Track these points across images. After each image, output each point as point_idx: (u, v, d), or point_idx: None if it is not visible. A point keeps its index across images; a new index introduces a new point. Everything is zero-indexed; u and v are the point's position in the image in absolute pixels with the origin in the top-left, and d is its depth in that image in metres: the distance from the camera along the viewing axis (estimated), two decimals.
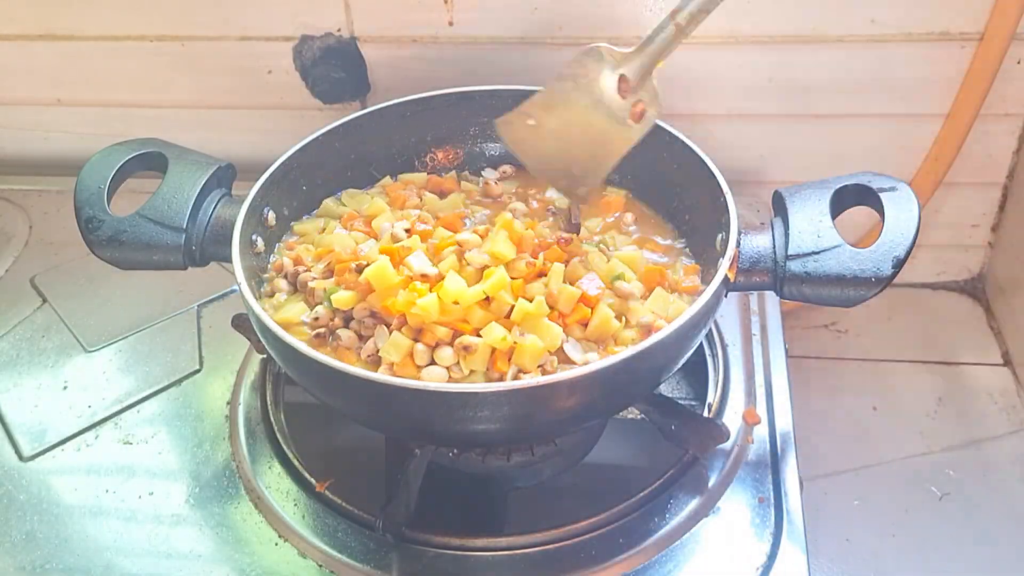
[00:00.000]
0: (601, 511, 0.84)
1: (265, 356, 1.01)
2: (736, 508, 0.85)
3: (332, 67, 1.20)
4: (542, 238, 0.88)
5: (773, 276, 0.80)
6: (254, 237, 0.89)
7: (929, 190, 1.22)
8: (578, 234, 0.91)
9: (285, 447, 0.93)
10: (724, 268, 0.78)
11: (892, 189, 0.81)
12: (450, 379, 0.77)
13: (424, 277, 0.80)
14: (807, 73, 1.15)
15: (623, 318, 0.81)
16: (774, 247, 0.81)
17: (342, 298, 0.81)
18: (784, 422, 0.93)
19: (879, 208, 0.80)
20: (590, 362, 0.76)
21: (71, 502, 0.90)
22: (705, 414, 0.94)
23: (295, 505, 0.88)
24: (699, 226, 0.91)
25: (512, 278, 0.81)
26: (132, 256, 0.87)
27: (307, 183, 0.97)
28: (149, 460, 0.94)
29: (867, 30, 1.09)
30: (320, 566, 0.82)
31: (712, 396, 0.96)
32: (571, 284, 0.82)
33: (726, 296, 0.80)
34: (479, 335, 0.78)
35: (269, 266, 0.91)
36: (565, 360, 0.78)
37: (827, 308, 0.81)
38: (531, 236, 0.87)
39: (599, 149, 0.85)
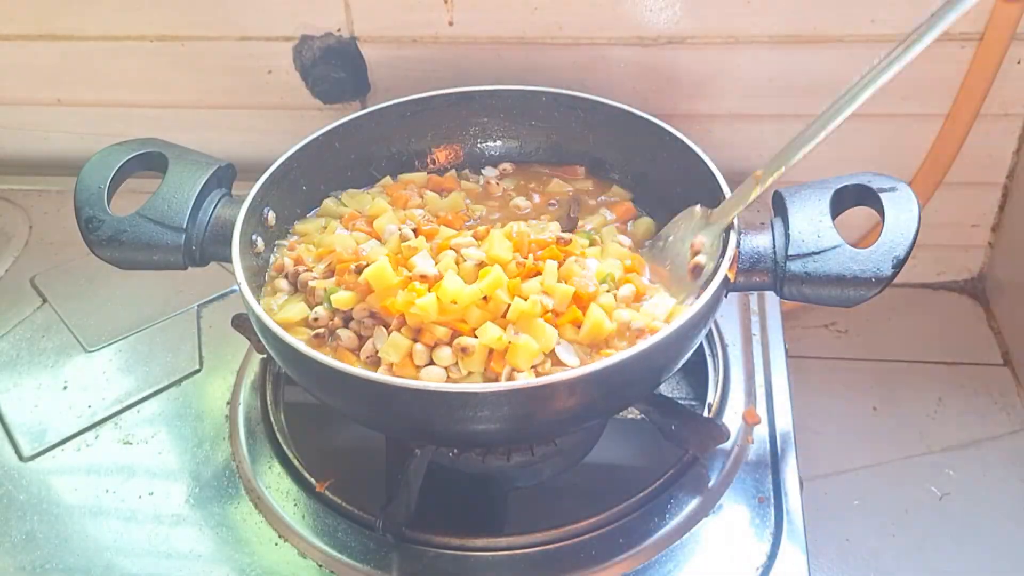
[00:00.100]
0: (601, 511, 0.84)
1: (265, 356, 1.01)
2: (736, 508, 0.85)
3: (332, 67, 1.20)
4: (540, 241, 0.88)
5: (773, 276, 0.80)
6: (254, 237, 0.89)
7: (929, 190, 1.22)
8: (575, 228, 0.91)
9: (285, 447, 0.93)
10: (724, 268, 0.78)
11: (892, 189, 0.81)
12: (448, 379, 0.77)
13: (423, 278, 0.80)
14: (807, 73, 1.15)
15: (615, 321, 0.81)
16: (774, 247, 0.81)
17: (342, 298, 0.81)
18: (784, 422, 0.93)
19: (879, 208, 0.80)
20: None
21: (71, 502, 0.90)
22: (705, 414, 0.94)
23: (295, 505, 0.88)
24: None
25: (509, 277, 0.81)
26: (132, 256, 0.87)
27: (307, 183, 0.97)
28: (149, 460, 0.94)
29: (867, 30, 1.09)
30: (320, 566, 0.82)
31: (712, 396, 0.96)
32: (565, 282, 0.82)
33: (726, 296, 0.80)
34: (476, 335, 0.78)
35: (269, 266, 0.91)
36: (557, 363, 0.78)
37: (827, 308, 0.81)
38: (528, 237, 0.87)
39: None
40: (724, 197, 0.84)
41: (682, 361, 0.80)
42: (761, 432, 0.92)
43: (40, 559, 0.85)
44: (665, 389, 1.01)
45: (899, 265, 0.76)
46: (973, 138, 1.17)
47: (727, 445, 0.89)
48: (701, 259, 0.82)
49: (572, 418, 0.77)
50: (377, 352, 0.79)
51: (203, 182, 0.89)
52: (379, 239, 0.90)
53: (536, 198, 0.99)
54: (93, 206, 0.87)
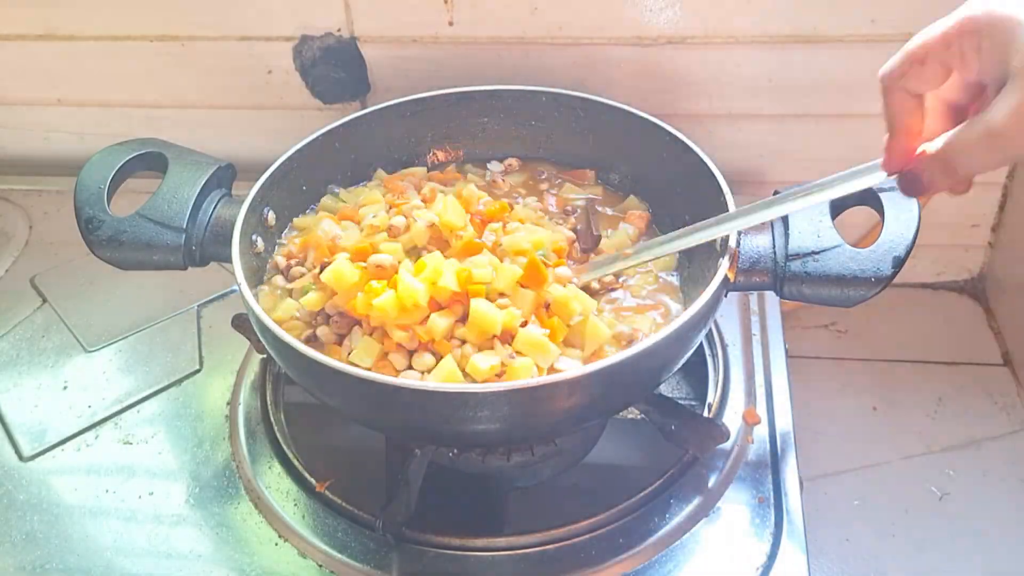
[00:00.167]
0: (601, 511, 0.84)
1: (265, 356, 1.01)
2: (736, 508, 0.85)
3: (332, 67, 1.20)
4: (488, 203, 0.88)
5: (773, 276, 0.80)
6: (254, 237, 0.89)
7: None
8: (598, 245, 0.91)
9: (285, 447, 0.93)
10: (724, 268, 0.77)
11: (892, 189, 0.80)
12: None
13: (379, 269, 0.79)
14: (807, 73, 1.14)
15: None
16: (774, 247, 0.81)
17: (310, 300, 0.81)
18: (784, 422, 0.93)
19: (879, 208, 0.80)
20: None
21: (71, 502, 0.90)
22: (705, 414, 0.94)
23: (295, 505, 0.88)
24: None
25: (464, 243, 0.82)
26: (132, 256, 0.87)
27: (307, 183, 0.97)
28: (149, 460, 0.94)
29: (867, 30, 1.09)
30: (320, 566, 0.82)
31: (712, 396, 0.96)
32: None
33: (726, 296, 0.80)
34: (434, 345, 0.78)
35: (269, 266, 0.91)
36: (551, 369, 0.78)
37: (827, 308, 0.81)
38: (474, 200, 0.87)
39: None
40: (724, 197, 0.84)
41: (682, 361, 0.80)
42: (761, 432, 0.92)
43: (40, 559, 0.85)
44: (665, 389, 1.01)
45: (899, 265, 0.76)
46: None
47: (727, 445, 0.89)
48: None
49: (572, 418, 0.77)
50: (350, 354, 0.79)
51: (203, 182, 0.89)
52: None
53: (551, 201, 0.98)
54: (93, 206, 0.87)
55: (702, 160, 0.89)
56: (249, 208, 0.87)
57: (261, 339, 0.80)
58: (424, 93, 1.02)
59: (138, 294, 1.13)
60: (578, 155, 1.03)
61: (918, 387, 1.24)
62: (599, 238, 0.92)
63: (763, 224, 0.84)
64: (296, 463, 0.91)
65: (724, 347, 1.01)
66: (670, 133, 0.93)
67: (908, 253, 0.77)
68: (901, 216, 0.79)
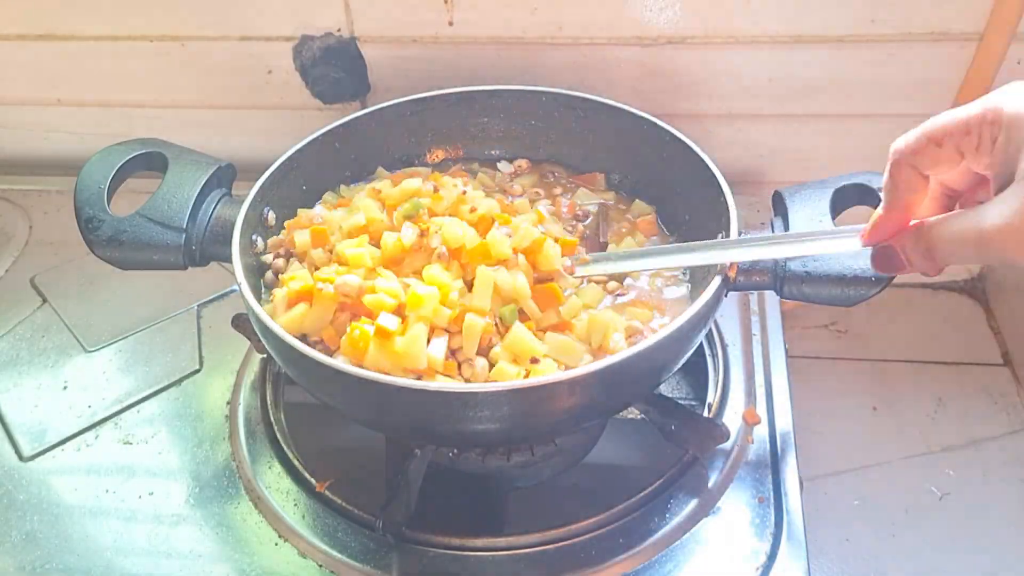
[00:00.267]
0: (601, 511, 0.84)
1: (265, 356, 1.01)
2: (736, 508, 0.85)
3: (332, 67, 1.20)
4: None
5: (773, 276, 0.80)
6: (254, 237, 0.89)
7: None
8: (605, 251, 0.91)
9: (285, 447, 0.93)
10: (724, 268, 0.78)
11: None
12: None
13: (346, 297, 0.78)
14: (807, 73, 1.15)
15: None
16: None
17: (289, 322, 0.79)
18: (784, 422, 0.93)
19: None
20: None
21: (71, 502, 0.90)
22: (705, 414, 0.94)
23: (295, 505, 0.88)
24: (699, 226, 0.91)
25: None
26: (132, 256, 0.87)
27: (307, 183, 0.97)
28: (149, 460, 0.94)
29: (867, 30, 1.09)
30: (320, 566, 0.82)
31: (712, 396, 0.96)
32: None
33: (726, 296, 0.80)
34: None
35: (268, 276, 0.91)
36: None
37: (827, 308, 0.81)
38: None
39: None
40: (724, 197, 0.84)
41: (682, 361, 0.80)
42: (761, 432, 0.92)
43: (40, 559, 0.85)
44: (665, 389, 1.01)
45: None
46: None
47: (727, 445, 0.89)
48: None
49: (572, 418, 0.77)
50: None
51: (203, 182, 0.89)
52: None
53: (564, 208, 0.97)
54: (93, 206, 0.87)
55: (702, 160, 0.89)
56: (249, 208, 0.87)
57: (261, 339, 0.80)
58: (424, 93, 1.02)
59: (138, 294, 1.13)
60: (578, 155, 1.03)
61: (918, 387, 1.24)
62: (605, 245, 0.92)
63: (763, 224, 0.84)
64: (296, 463, 0.91)
65: (724, 347, 1.01)
66: (670, 133, 0.93)
67: None
68: None
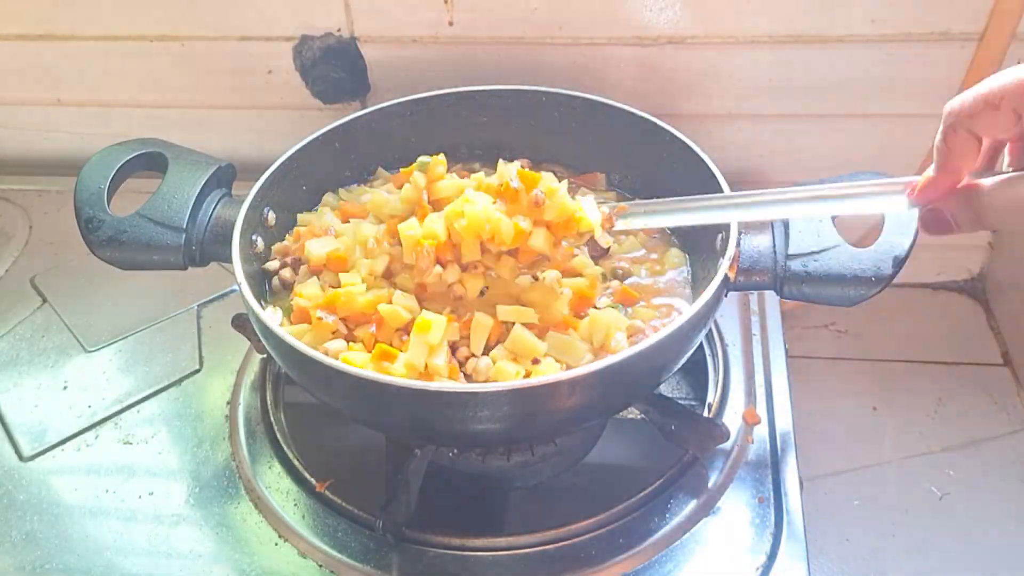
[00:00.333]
0: (601, 511, 0.84)
1: (265, 356, 1.01)
2: (736, 508, 0.85)
3: (332, 67, 1.20)
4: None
5: (773, 276, 0.80)
6: (254, 237, 0.89)
7: None
8: (606, 253, 0.91)
9: (285, 447, 0.93)
10: (724, 268, 0.77)
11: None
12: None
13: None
14: (807, 73, 1.14)
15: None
16: (774, 247, 0.81)
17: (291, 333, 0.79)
18: (784, 422, 0.93)
19: None
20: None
21: (71, 502, 0.90)
22: (705, 414, 0.94)
23: (295, 505, 0.88)
24: (699, 226, 0.91)
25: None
26: (132, 256, 0.87)
27: (307, 183, 0.97)
28: (149, 460, 0.94)
29: (867, 30, 1.09)
30: (320, 566, 0.82)
31: (712, 396, 0.96)
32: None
33: (726, 296, 0.80)
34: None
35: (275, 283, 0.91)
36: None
37: (827, 308, 0.81)
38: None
39: None
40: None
41: (682, 361, 0.80)
42: (761, 432, 0.92)
43: (40, 559, 0.85)
44: (665, 389, 1.01)
45: (899, 264, 0.76)
46: None
47: (727, 445, 0.89)
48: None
49: (572, 418, 0.77)
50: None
51: (203, 182, 0.89)
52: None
53: None
54: (93, 206, 0.87)
55: (702, 160, 0.89)
56: (249, 208, 0.87)
57: (261, 339, 0.80)
58: (424, 93, 1.02)
59: (138, 294, 1.13)
60: (578, 155, 1.03)
61: (918, 387, 1.24)
62: (607, 250, 0.92)
63: (763, 224, 0.84)
64: (296, 463, 0.91)
65: (724, 347, 1.01)
66: (670, 133, 0.93)
67: (908, 253, 0.77)
68: (901, 216, 0.79)
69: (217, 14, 1.19)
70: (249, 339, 1.00)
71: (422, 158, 0.87)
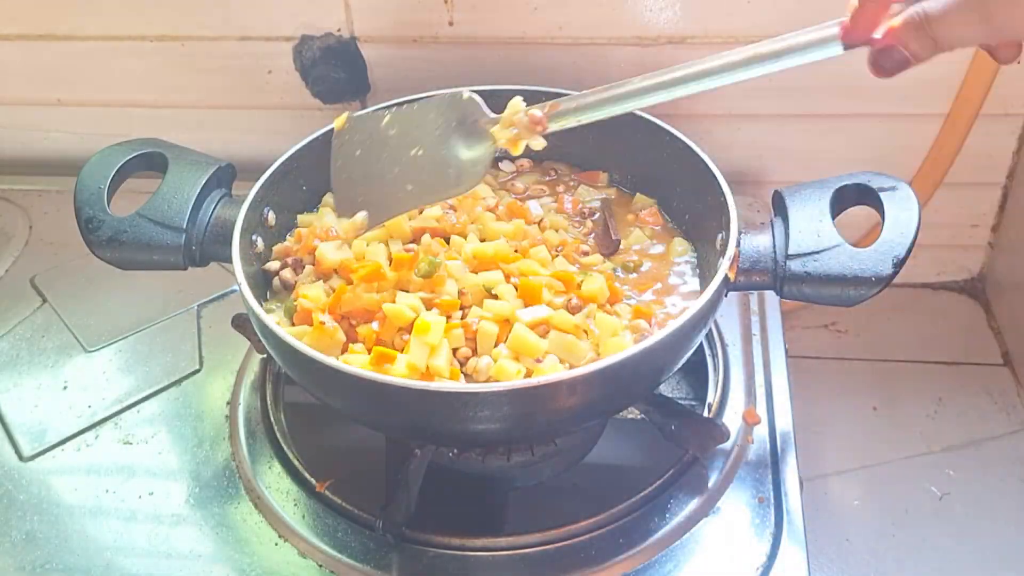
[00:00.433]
0: (601, 511, 0.84)
1: (265, 356, 1.01)
2: (736, 508, 0.85)
3: (332, 67, 1.20)
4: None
5: (773, 276, 0.80)
6: (254, 237, 0.89)
7: (929, 190, 1.22)
8: (618, 249, 0.91)
9: (285, 447, 0.93)
10: (724, 268, 0.78)
11: (892, 189, 0.81)
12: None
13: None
14: (807, 73, 1.14)
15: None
16: (774, 247, 0.81)
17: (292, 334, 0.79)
18: (784, 422, 0.93)
19: (879, 208, 0.80)
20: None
21: (71, 502, 0.90)
22: (705, 414, 0.94)
23: (295, 505, 0.88)
24: (699, 226, 0.91)
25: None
26: (132, 256, 0.87)
27: (307, 183, 0.97)
28: (149, 460, 0.94)
29: None
30: (320, 566, 0.82)
31: (712, 396, 0.96)
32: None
33: (726, 296, 0.80)
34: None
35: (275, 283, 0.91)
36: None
37: (827, 308, 0.81)
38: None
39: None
40: (724, 197, 0.84)
41: (682, 361, 0.80)
42: (761, 432, 0.92)
43: (40, 559, 0.85)
44: (665, 389, 1.01)
45: (899, 265, 0.76)
46: (973, 138, 1.17)
47: (727, 445, 0.89)
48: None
49: (572, 418, 0.77)
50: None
51: (203, 182, 0.89)
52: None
53: (568, 204, 0.98)
54: (93, 206, 0.87)
55: (702, 160, 0.89)
56: (249, 208, 0.87)
57: (261, 339, 0.80)
58: (424, 93, 1.02)
59: (138, 294, 1.13)
60: (579, 155, 1.03)
61: (918, 387, 1.24)
62: (618, 243, 0.92)
63: (763, 224, 0.84)
64: (296, 463, 0.91)
65: (724, 347, 1.01)
66: (670, 133, 0.93)
67: (908, 253, 0.77)
68: (901, 216, 0.79)
69: (217, 14, 1.19)
70: (249, 339, 1.00)
71: (430, 260, 0.83)
